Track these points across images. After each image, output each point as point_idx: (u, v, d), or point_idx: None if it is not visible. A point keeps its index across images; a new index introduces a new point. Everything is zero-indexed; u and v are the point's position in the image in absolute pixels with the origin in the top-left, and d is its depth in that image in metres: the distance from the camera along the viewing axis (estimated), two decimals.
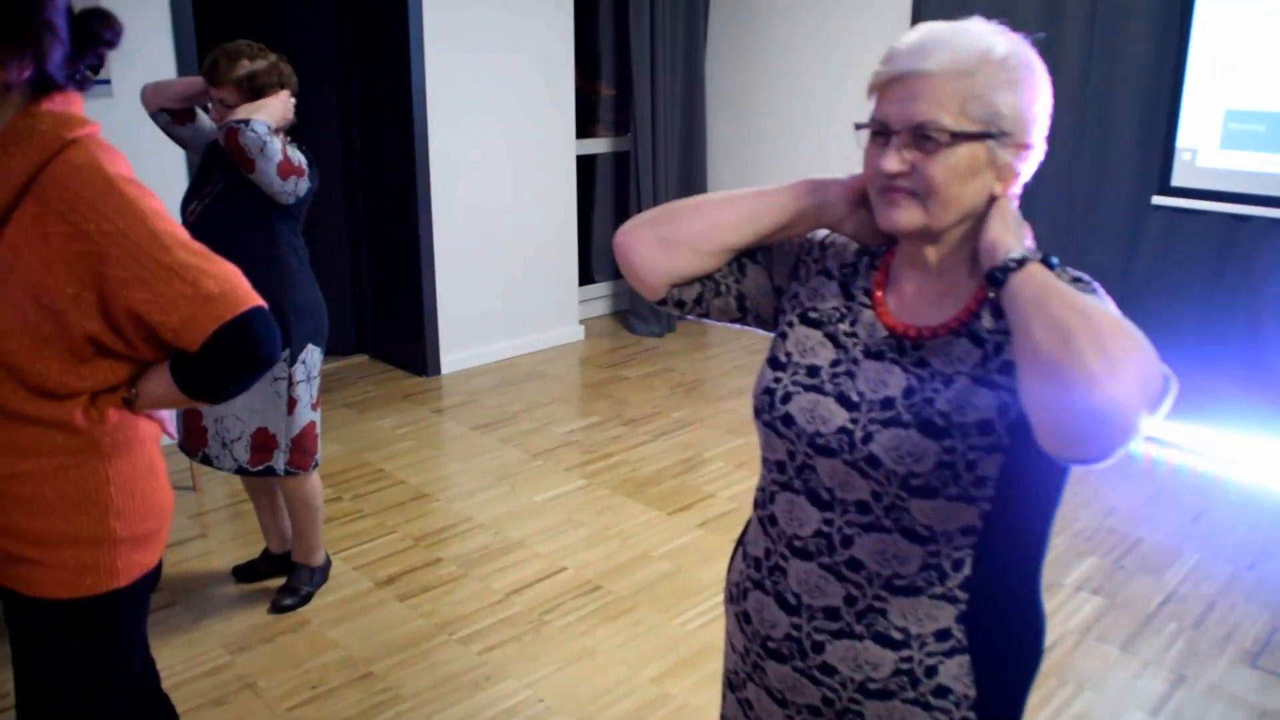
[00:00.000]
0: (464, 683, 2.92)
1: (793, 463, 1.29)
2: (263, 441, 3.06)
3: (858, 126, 1.22)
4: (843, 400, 1.24)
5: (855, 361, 1.26)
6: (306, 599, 3.33)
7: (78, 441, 1.55)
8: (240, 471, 3.08)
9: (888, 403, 1.20)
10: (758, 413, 1.33)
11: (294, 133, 3.07)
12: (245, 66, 2.88)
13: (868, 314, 1.28)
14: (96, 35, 1.53)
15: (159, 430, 1.71)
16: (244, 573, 3.48)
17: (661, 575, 3.45)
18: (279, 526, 3.45)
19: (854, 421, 1.21)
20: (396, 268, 5.59)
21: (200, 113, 3.14)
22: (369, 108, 5.49)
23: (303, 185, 2.94)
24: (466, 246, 5.56)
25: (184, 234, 1.50)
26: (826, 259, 1.36)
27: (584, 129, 6.32)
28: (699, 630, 3.15)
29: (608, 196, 6.78)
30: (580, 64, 6.06)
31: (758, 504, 1.39)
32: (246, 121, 2.80)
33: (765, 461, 1.36)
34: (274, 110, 2.89)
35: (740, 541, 1.45)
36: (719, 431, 4.70)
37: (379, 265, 5.75)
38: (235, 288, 1.50)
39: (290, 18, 5.50)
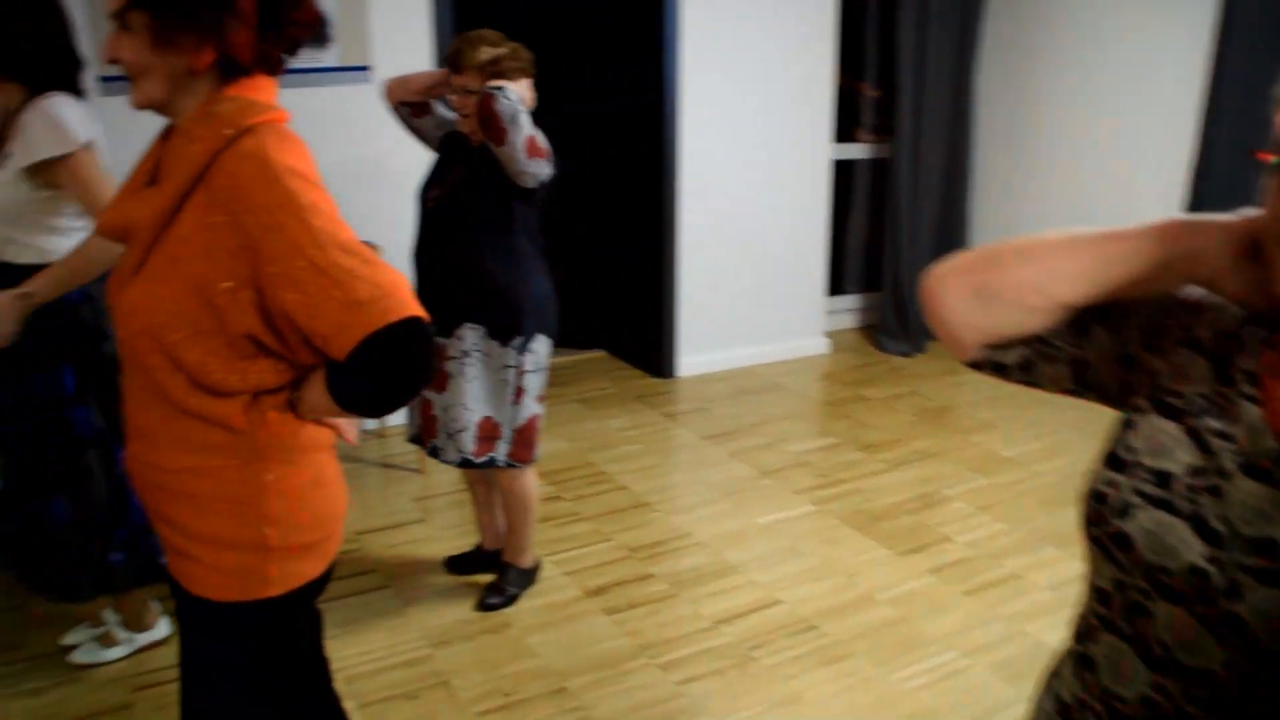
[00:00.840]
0: (658, 713, 2.74)
1: (1122, 597, 0.95)
2: (488, 431, 3.00)
3: (1260, 157, 0.88)
4: (1200, 528, 0.88)
5: (1225, 475, 0.88)
6: (512, 600, 3.26)
7: (238, 443, 1.48)
8: (464, 464, 3.03)
9: (1267, 546, 0.83)
10: (1085, 523, 0.98)
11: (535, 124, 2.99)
12: (488, 52, 2.82)
13: (1251, 410, 0.90)
14: (287, 19, 1.45)
15: (331, 437, 1.61)
16: (456, 564, 3.45)
17: (884, 622, 3.16)
18: (494, 523, 3.39)
19: (1214, 562, 0.86)
20: (640, 264, 5.50)
21: (435, 104, 3.12)
22: (616, 99, 5.42)
23: (545, 169, 2.85)
24: (712, 248, 5.40)
25: (348, 234, 1.38)
26: (1196, 325, 0.98)
27: (845, 132, 6.03)
28: (919, 690, 2.85)
29: (864, 205, 6.46)
30: (844, 62, 5.77)
31: (1075, 635, 1.04)
32: (500, 88, 2.74)
33: (1089, 583, 1.02)
34: (519, 93, 2.83)
35: (1053, 672, 1.10)
36: (963, 468, 4.33)
37: (622, 260, 5.68)
38: (391, 294, 1.37)
39: (548, 11, 5.51)
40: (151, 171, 1.49)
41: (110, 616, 2.97)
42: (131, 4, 1.37)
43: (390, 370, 1.38)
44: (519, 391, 2.99)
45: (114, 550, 2.70)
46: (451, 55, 2.88)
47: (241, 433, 1.47)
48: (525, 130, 2.76)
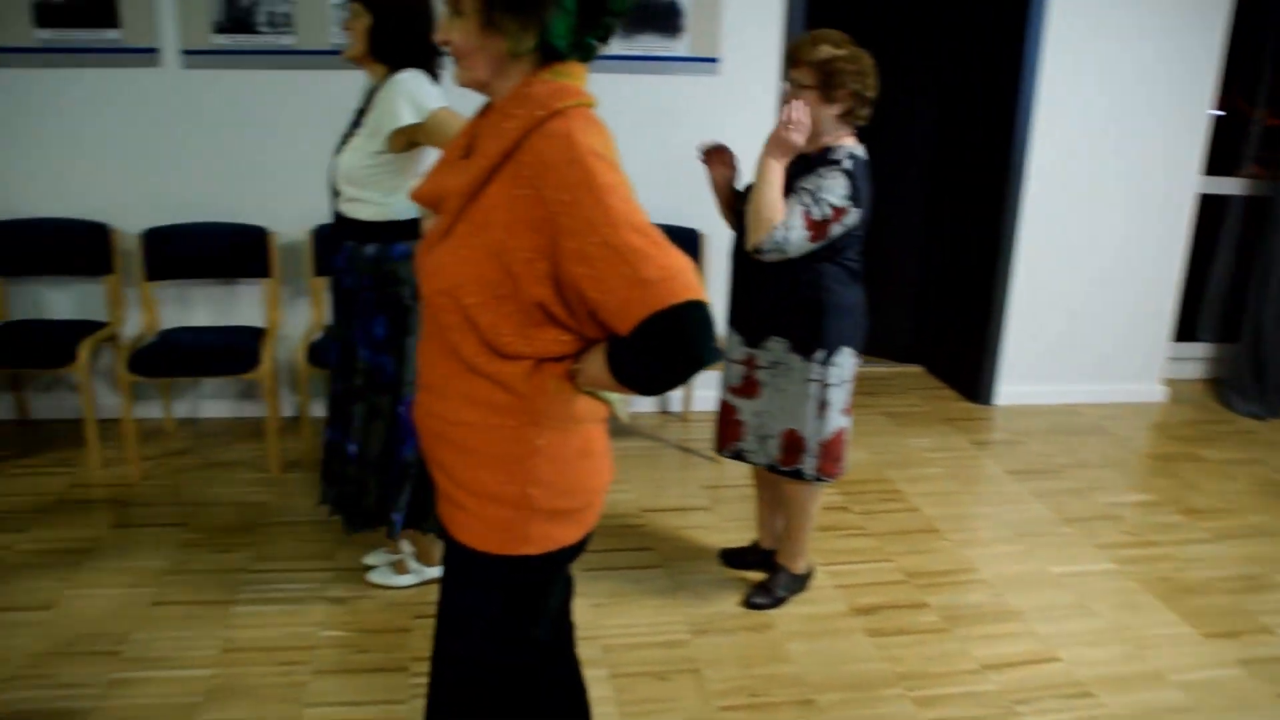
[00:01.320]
0: None
1: None
2: (793, 443, 3.01)
3: None
4: None
5: None
6: (778, 603, 3.25)
7: (516, 404, 1.57)
8: (772, 468, 3.07)
9: None
10: None
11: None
12: (826, 51, 2.80)
13: None
14: (604, 9, 1.52)
15: (604, 411, 1.68)
16: (730, 558, 3.48)
17: (1171, 707, 2.88)
18: (773, 523, 3.40)
19: None
20: (969, 284, 5.29)
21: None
22: (966, 105, 5.20)
23: (847, 221, 2.82)
24: (1048, 273, 5.10)
25: (641, 217, 1.43)
26: None
27: (1224, 163, 5.49)
28: None
29: (1232, 245, 5.85)
30: (1238, 84, 5.24)
31: None
32: (773, 234, 2.77)
33: None
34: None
35: None
36: None
37: (951, 277, 5.48)
38: (676, 276, 1.41)
39: (903, 17, 5.37)
40: (467, 146, 1.62)
41: (406, 547, 3.26)
42: None
43: (668, 350, 1.42)
44: (823, 405, 2.97)
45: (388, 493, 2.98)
46: (792, 49, 2.89)
47: (522, 395, 1.56)
48: (800, 246, 2.79)
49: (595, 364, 1.54)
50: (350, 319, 2.90)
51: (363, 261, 2.81)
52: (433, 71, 2.76)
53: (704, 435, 4.57)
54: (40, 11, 4.02)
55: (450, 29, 1.53)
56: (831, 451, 3.02)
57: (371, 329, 2.85)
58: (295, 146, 4.23)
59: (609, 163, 1.45)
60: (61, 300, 4.40)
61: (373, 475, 2.97)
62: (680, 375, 1.45)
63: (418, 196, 1.66)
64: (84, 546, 3.45)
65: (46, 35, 4.05)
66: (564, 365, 1.57)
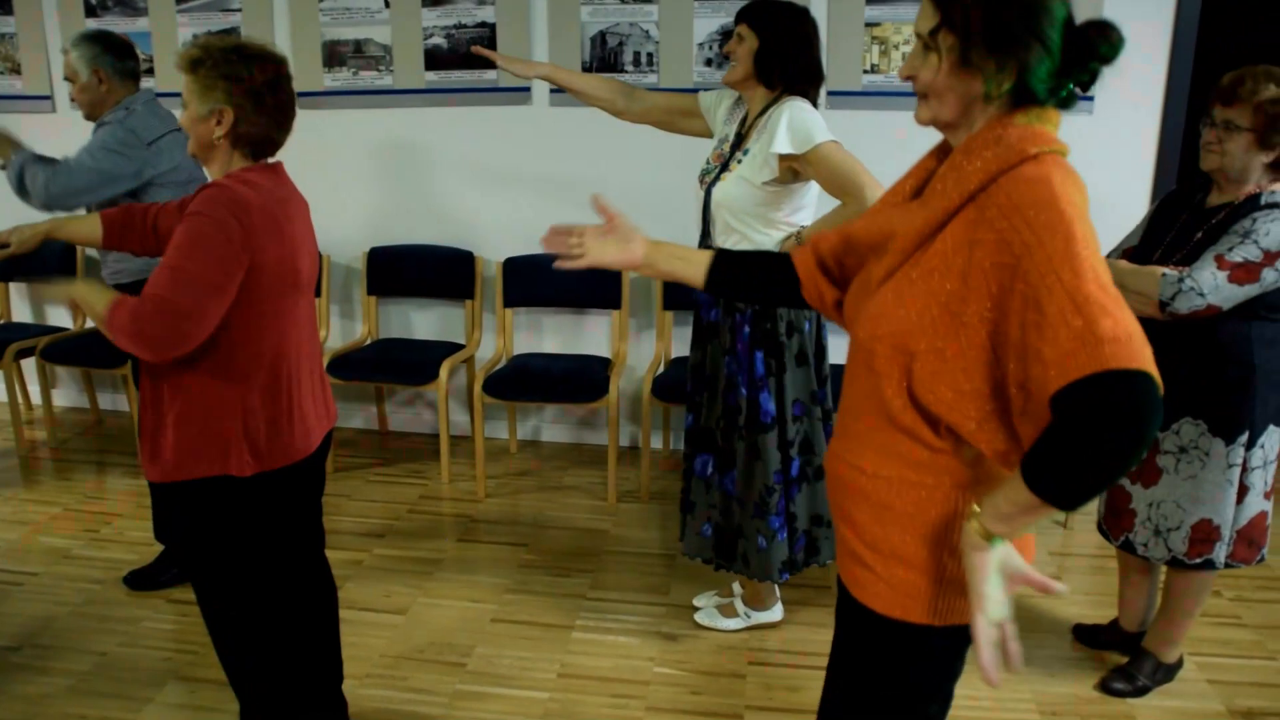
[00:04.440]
0: None
1: None
2: (1204, 533, 2.68)
3: None
4: None
5: None
6: (1141, 692, 2.91)
7: (939, 465, 1.45)
8: (1173, 563, 2.76)
9: None
10: None
11: None
12: (1273, 91, 2.47)
13: None
14: (1092, 50, 1.38)
15: None
16: (1086, 635, 3.17)
17: None
18: (1140, 604, 3.06)
19: None
20: None
21: None
22: None
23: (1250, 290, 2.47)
24: None
25: (1106, 274, 1.27)
26: None
27: None
28: None
29: None
30: None
31: None
32: (1194, 290, 2.45)
33: None
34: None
35: None
36: None
37: None
38: (1130, 342, 1.21)
39: None
40: (918, 187, 1.53)
41: (736, 589, 3.19)
42: (944, 24, 1.40)
43: (1108, 421, 1.20)
44: (1243, 490, 2.64)
45: (759, 534, 2.88)
46: (1228, 84, 2.55)
47: (945, 455, 1.45)
48: (1215, 285, 2.43)
49: (1003, 492, 1.34)
50: (713, 353, 2.87)
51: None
52: (814, 99, 2.71)
53: None
54: (429, 56, 4.34)
55: (919, 65, 1.45)
56: (1248, 536, 2.66)
57: (749, 365, 2.81)
58: (653, 183, 4.32)
59: (1082, 214, 1.32)
60: (425, 321, 4.70)
61: (747, 515, 2.91)
62: (1113, 458, 1.21)
63: (855, 234, 1.58)
64: (433, 558, 3.63)
65: (433, 77, 4.37)
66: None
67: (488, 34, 4.27)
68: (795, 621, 3.16)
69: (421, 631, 3.16)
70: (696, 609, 3.24)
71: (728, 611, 3.18)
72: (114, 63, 3.07)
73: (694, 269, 1.81)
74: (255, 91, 2.10)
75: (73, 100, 3.15)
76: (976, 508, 1.38)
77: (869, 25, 3.95)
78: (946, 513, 1.46)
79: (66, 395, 5.30)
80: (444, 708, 2.79)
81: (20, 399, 4.93)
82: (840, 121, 4.05)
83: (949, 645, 1.55)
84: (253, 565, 2.30)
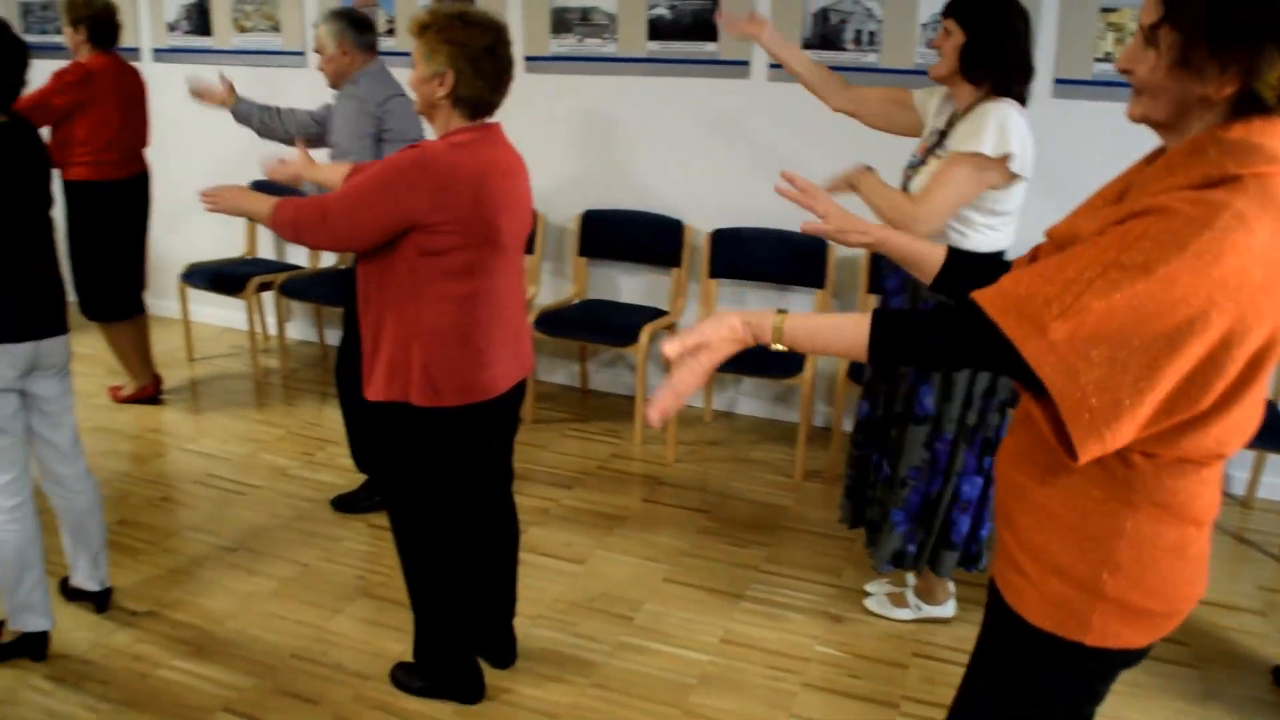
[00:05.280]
0: None
1: None
2: None
3: None
4: None
5: None
6: None
7: (1108, 479, 1.40)
8: None
9: None
10: None
11: None
12: None
13: None
14: None
15: (1212, 516, 1.44)
16: None
17: None
18: None
19: None
20: None
21: None
22: None
23: None
24: None
25: (1131, 325, 1.23)
26: None
27: None
28: None
29: None
30: None
31: None
32: None
33: None
34: None
35: None
36: None
37: None
38: (1051, 349, 1.25)
39: None
40: (1121, 191, 1.43)
41: (909, 580, 3.15)
42: (1166, 19, 1.30)
43: (961, 356, 1.34)
44: None
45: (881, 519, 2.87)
46: None
47: (1114, 471, 1.39)
48: None
49: (833, 325, 1.44)
50: None
51: (923, 287, 2.73)
52: (1023, 97, 2.61)
53: (1268, 527, 3.96)
54: (652, 26, 4.43)
55: (1136, 59, 1.35)
56: None
57: None
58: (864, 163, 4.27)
59: (1219, 259, 1.19)
60: (631, 285, 4.82)
61: (885, 500, 2.91)
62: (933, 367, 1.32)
63: (1051, 234, 1.52)
64: (616, 514, 3.75)
65: (655, 47, 4.45)
66: (1171, 450, 1.35)
67: (710, 7, 4.31)
68: (968, 620, 3.10)
69: (595, 582, 3.28)
70: (867, 595, 3.22)
71: (898, 601, 3.15)
72: (355, 36, 3.38)
73: (930, 257, 1.76)
74: (474, 56, 2.23)
75: (320, 69, 3.44)
76: (785, 312, 1.44)
77: (1105, 10, 3.75)
78: (1111, 529, 1.41)
79: (298, 328, 5.75)
80: (606, 656, 2.90)
81: (258, 329, 5.37)
82: (1066, 112, 3.90)
83: (1097, 668, 1.50)
84: (437, 494, 2.48)
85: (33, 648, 2.84)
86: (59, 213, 2.98)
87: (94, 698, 2.72)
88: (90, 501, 2.96)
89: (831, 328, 1.43)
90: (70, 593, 3.10)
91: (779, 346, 1.43)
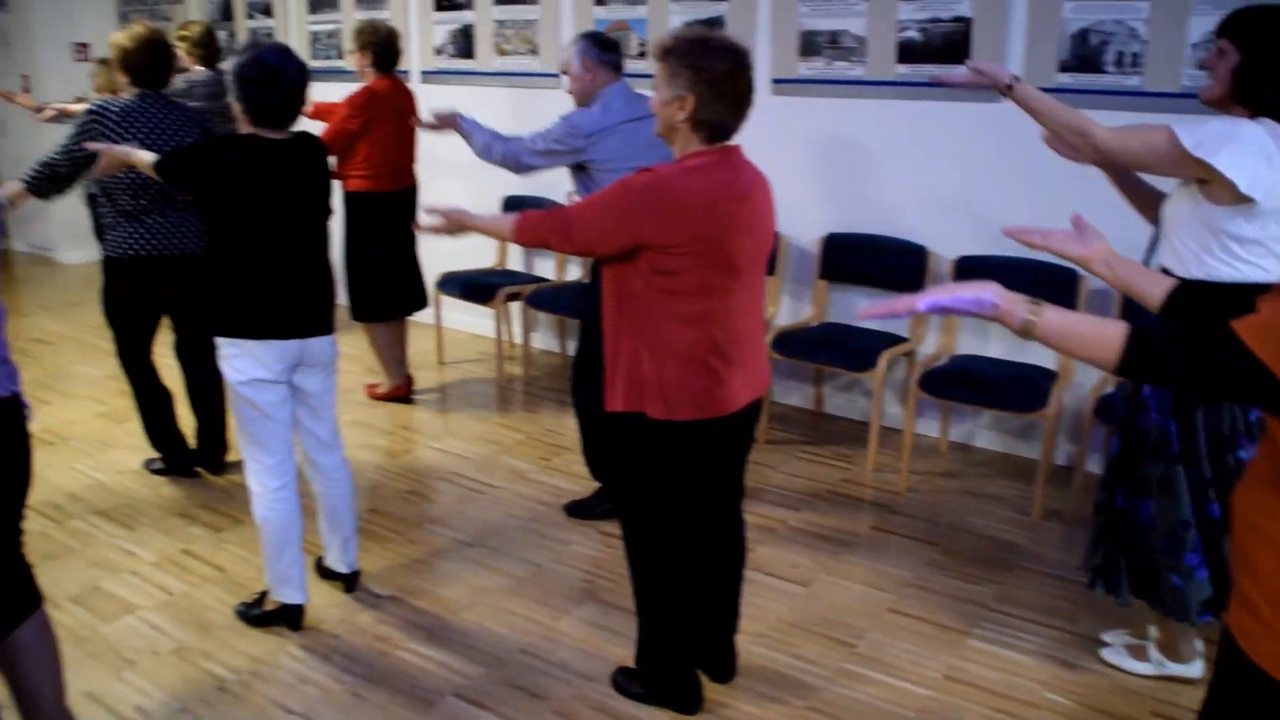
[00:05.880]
0: None
1: None
2: None
3: None
4: None
5: None
6: None
7: None
8: None
9: None
10: None
11: None
12: None
13: None
14: None
15: None
16: None
17: None
18: None
19: None
20: None
21: None
22: None
23: None
24: None
25: None
26: None
27: None
28: None
29: None
30: None
31: None
32: None
33: None
34: None
35: None
36: None
37: None
38: None
39: None
40: None
41: (1152, 633, 2.95)
42: None
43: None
44: None
45: (1173, 572, 2.66)
46: None
47: None
48: None
49: (1091, 336, 1.39)
50: None
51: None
52: None
53: None
54: (902, 49, 4.37)
55: None
56: None
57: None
58: (1114, 200, 4.06)
59: None
60: None
61: (1158, 549, 2.71)
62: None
63: None
64: (844, 539, 3.71)
65: (904, 70, 4.40)
66: None
67: (963, 29, 4.22)
68: None
69: (819, 606, 3.26)
70: (1104, 644, 3.05)
71: (1138, 654, 2.96)
72: (599, 54, 3.52)
73: (1153, 287, 1.70)
74: (715, 80, 2.29)
75: (568, 90, 3.61)
76: (1040, 303, 1.46)
77: None
78: None
79: (542, 338, 6.00)
80: (825, 680, 2.88)
81: (505, 337, 5.64)
82: None
83: None
84: (667, 506, 2.54)
85: (289, 618, 3.11)
86: (336, 222, 3.25)
87: (339, 670, 2.94)
88: (345, 489, 3.21)
89: (1086, 333, 1.45)
90: (323, 572, 3.36)
91: (1029, 329, 1.47)
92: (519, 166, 3.62)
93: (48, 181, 3.64)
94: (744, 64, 2.34)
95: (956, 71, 2.84)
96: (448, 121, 3.78)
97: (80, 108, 4.64)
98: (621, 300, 2.41)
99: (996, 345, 4.46)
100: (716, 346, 2.39)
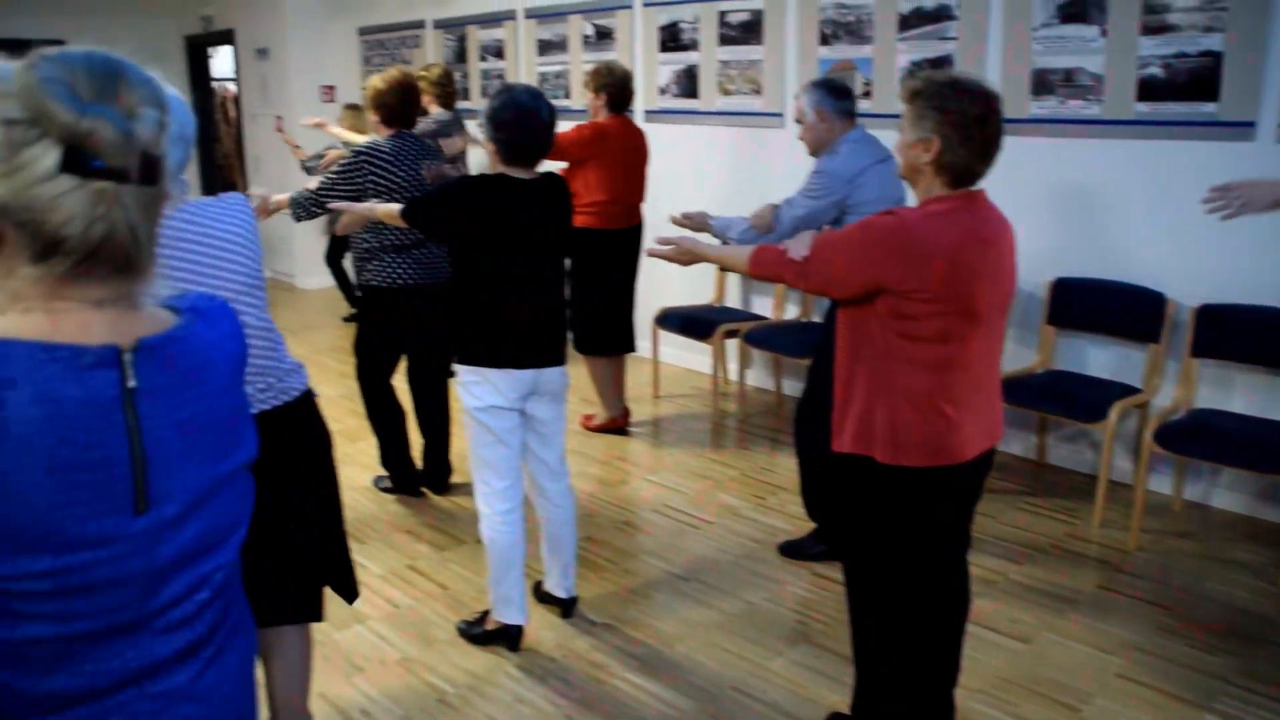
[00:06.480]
0: None
1: None
2: None
3: None
4: None
5: None
6: None
7: None
8: None
9: None
10: None
11: None
12: None
13: None
14: None
15: None
16: None
17: None
18: None
19: None
20: None
21: None
22: None
23: None
24: None
25: None
26: None
27: None
28: None
29: None
30: None
31: None
32: None
33: None
34: None
35: None
36: None
37: None
38: None
39: None
40: None
41: None
42: None
43: None
44: None
45: None
46: None
47: None
48: None
49: None
50: None
51: None
52: None
53: None
54: (1143, 86, 4.19)
55: None
56: None
57: None
58: None
59: None
60: (1100, 358, 4.56)
61: None
62: None
63: None
64: (1068, 596, 3.55)
65: (1144, 109, 4.21)
66: None
67: (1211, 64, 4.01)
68: None
69: (1041, 665, 3.13)
70: None
71: None
72: (834, 104, 3.51)
73: None
74: (963, 124, 2.26)
75: (800, 138, 3.62)
76: None
77: None
78: None
79: (757, 376, 6.01)
80: None
81: (721, 373, 5.69)
82: None
83: None
84: (894, 552, 2.50)
85: (509, 638, 3.23)
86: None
87: (554, 693, 3.03)
88: (568, 515, 3.32)
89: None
90: (542, 596, 3.47)
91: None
92: (783, 237, 3.52)
93: (310, 207, 3.91)
94: (994, 109, 2.30)
95: None
96: (698, 223, 3.71)
97: (337, 154, 5.01)
98: (857, 342, 2.40)
99: (1240, 400, 4.20)
100: (954, 394, 2.35)
